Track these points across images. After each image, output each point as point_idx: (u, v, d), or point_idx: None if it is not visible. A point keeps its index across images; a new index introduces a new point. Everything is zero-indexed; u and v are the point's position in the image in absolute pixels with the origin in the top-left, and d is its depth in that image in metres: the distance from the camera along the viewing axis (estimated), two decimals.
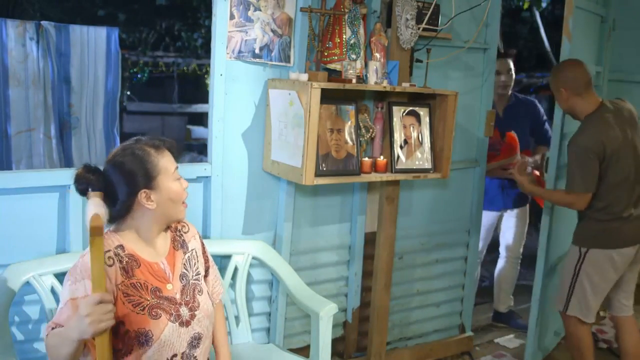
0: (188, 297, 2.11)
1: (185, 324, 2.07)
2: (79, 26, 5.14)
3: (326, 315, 2.79)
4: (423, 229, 3.73)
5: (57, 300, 2.48)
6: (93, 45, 5.14)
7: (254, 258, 3.01)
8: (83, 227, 2.63)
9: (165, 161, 2.05)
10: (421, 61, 3.33)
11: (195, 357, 2.11)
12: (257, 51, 2.95)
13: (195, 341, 2.10)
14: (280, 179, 3.09)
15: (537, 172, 4.30)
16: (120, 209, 2.02)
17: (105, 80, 5.24)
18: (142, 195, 2.00)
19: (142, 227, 2.07)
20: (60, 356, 1.87)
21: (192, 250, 2.23)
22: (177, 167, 2.10)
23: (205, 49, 11.19)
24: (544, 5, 8.34)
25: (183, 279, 2.14)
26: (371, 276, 3.50)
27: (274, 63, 3.01)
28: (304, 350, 3.22)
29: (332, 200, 3.35)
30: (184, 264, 2.17)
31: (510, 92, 4.42)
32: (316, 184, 2.87)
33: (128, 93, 13.16)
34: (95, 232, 1.80)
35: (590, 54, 4.04)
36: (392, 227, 3.44)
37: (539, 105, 4.58)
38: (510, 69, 4.33)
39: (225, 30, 2.86)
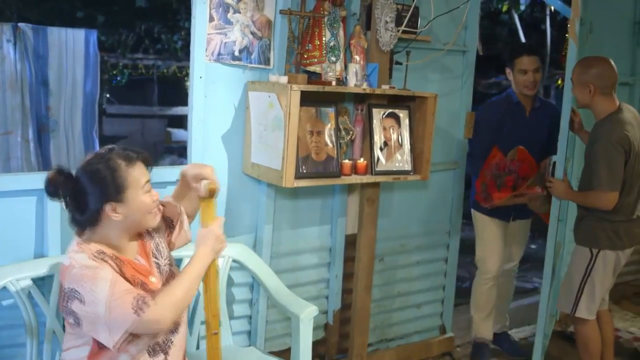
0: (164, 284, 2.16)
1: None
2: (57, 28, 5.11)
3: (307, 318, 2.79)
4: (403, 230, 3.74)
5: (35, 305, 2.45)
6: (71, 47, 5.10)
7: (234, 261, 2.99)
8: (61, 231, 2.61)
9: (135, 174, 2.05)
10: (401, 63, 3.35)
11: (172, 342, 2.17)
12: (236, 53, 2.95)
13: (173, 327, 2.16)
14: (261, 181, 3.09)
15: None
16: (88, 218, 2.04)
17: (84, 82, 5.21)
18: (108, 207, 2.02)
19: (112, 236, 2.09)
20: (190, 298, 2.09)
21: (154, 235, 2.26)
22: (148, 180, 2.10)
23: (185, 51, 11.14)
24: (522, 7, 8.40)
25: (158, 268, 2.19)
26: (352, 278, 3.50)
27: (253, 65, 3.01)
28: (285, 353, 3.22)
29: (312, 202, 3.35)
30: (154, 254, 2.21)
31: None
32: (296, 186, 2.87)
33: (107, 96, 13.06)
34: (213, 195, 2.19)
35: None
36: (372, 229, 3.45)
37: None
38: (538, 68, 3.76)
39: (204, 32, 2.85)
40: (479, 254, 3.93)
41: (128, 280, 2.03)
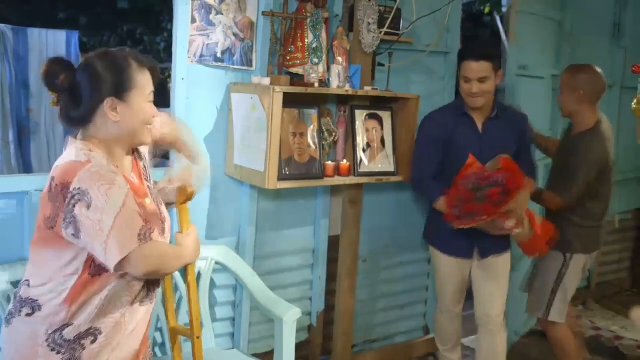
0: (158, 210, 2.04)
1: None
2: (38, 29, 5.09)
3: (290, 320, 2.79)
4: (386, 231, 3.75)
5: None
6: (52, 48, 5.08)
7: (217, 263, 2.99)
8: None
9: (143, 79, 1.92)
10: (383, 65, 3.36)
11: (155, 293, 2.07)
12: (219, 55, 2.94)
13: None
14: (243, 183, 3.08)
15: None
16: (83, 113, 1.87)
17: None
18: (107, 102, 1.85)
19: (109, 142, 1.91)
20: (169, 270, 1.99)
21: (144, 157, 2.12)
22: (152, 92, 1.97)
23: (168, 53, 11.07)
24: (504, 9, 8.45)
25: (149, 191, 2.06)
26: (335, 279, 3.51)
27: (236, 67, 3.00)
28: (268, 355, 3.21)
29: (295, 204, 3.35)
30: (145, 176, 2.08)
31: (494, 98, 3.21)
32: (279, 187, 2.87)
33: None
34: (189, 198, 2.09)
35: (544, 58, 4.11)
36: (355, 230, 3.45)
37: (528, 121, 3.35)
38: (486, 77, 3.04)
39: (186, 34, 2.84)
40: (437, 289, 3.48)
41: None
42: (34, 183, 2.57)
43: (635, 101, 3.19)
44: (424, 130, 3.24)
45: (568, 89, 3.30)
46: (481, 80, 3.03)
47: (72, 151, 1.88)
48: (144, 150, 2.13)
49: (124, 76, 1.87)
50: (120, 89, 1.87)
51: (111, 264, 1.76)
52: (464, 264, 3.28)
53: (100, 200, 1.74)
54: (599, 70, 3.32)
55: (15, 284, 2.46)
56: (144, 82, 1.92)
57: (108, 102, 1.86)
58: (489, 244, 3.17)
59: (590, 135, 3.25)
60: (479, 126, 3.17)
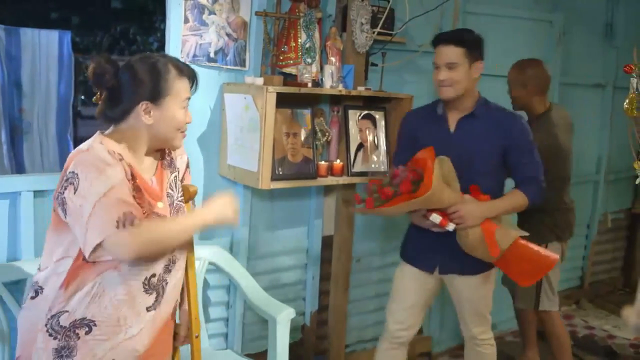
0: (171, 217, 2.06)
1: None
2: (30, 29, 5.07)
3: (283, 320, 2.79)
4: (380, 231, 3.75)
5: (7, 311, 2.42)
6: (45, 48, 5.06)
7: (210, 263, 2.98)
8: (35, 234, 2.58)
9: (180, 85, 1.99)
10: (376, 65, 3.36)
11: (167, 281, 2.03)
12: (212, 55, 2.93)
13: (170, 264, 2.05)
14: (237, 183, 3.08)
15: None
16: (119, 112, 1.96)
17: (58, 84, 5.17)
18: (142, 105, 1.94)
19: (135, 140, 1.98)
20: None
21: (178, 169, 2.17)
22: (189, 98, 2.04)
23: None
24: None
25: (169, 198, 2.08)
26: (329, 279, 3.51)
27: (229, 67, 3.00)
28: (262, 355, 3.20)
29: (289, 204, 3.35)
30: (170, 184, 2.11)
31: (477, 96, 2.81)
32: (273, 187, 2.87)
33: (83, 97, 12.93)
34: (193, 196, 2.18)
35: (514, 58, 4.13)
36: (349, 230, 3.45)
37: (523, 122, 2.85)
38: (456, 64, 2.68)
39: (179, 34, 2.83)
40: (387, 308, 3.08)
41: (139, 188, 1.93)
42: (27, 183, 2.57)
43: (627, 101, 3.20)
44: (400, 127, 3.03)
45: (517, 85, 3.44)
46: (450, 66, 2.69)
47: (87, 141, 1.96)
48: (181, 164, 2.19)
49: (162, 82, 1.95)
50: (157, 94, 1.95)
51: (88, 249, 1.82)
52: (423, 277, 2.93)
53: (84, 187, 1.81)
54: (543, 63, 3.48)
55: (9, 285, 2.46)
56: (180, 89, 1.99)
57: (143, 106, 1.94)
58: (450, 260, 2.83)
59: (539, 121, 3.37)
60: (452, 125, 2.81)
